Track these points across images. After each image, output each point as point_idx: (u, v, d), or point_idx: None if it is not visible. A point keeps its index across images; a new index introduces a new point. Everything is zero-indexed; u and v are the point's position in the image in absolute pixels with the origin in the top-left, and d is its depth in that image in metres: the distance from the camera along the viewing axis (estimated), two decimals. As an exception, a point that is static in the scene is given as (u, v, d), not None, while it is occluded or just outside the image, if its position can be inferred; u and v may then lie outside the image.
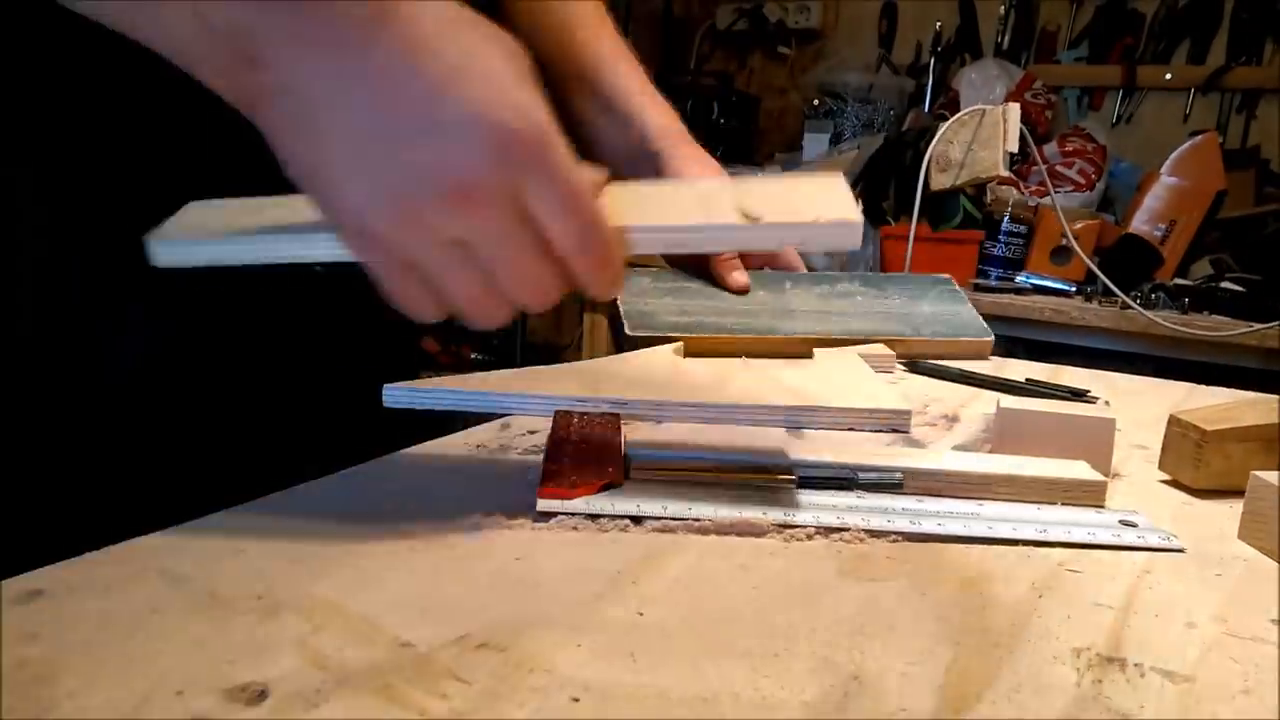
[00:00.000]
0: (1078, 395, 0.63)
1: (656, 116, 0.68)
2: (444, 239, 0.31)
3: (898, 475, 0.41)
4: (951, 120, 1.48)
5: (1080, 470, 0.42)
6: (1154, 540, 0.39)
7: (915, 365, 0.71)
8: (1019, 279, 1.71)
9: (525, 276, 0.33)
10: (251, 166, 0.34)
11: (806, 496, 0.40)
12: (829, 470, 0.41)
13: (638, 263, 0.72)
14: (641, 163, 0.65)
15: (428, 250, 0.31)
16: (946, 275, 0.83)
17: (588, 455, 0.41)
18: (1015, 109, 1.43)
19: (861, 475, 0.41)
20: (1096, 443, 0.47)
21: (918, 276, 0.83)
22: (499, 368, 0.55)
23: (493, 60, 0.31)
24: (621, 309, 0.67)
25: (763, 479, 0.40)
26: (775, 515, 0.37)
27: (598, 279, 0.34)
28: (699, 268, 0.72)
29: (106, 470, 0.44)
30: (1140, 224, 1.69)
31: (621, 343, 0.64)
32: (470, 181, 0.30)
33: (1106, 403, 0.62)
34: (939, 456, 0.44)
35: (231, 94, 0.31)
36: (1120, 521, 0.41)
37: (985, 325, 0.76)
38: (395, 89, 0.29)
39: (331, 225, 0.32)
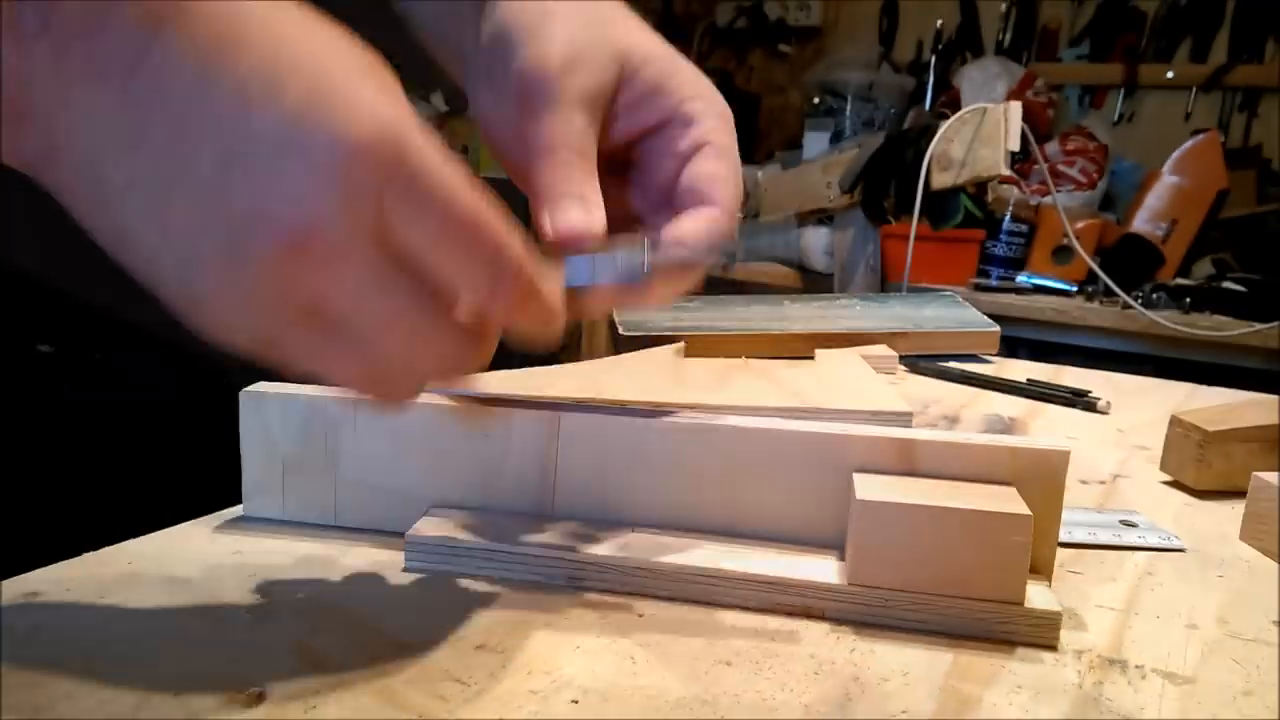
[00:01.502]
0: (1078, 395, 0.63)
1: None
2: (293, 310, 0.23)
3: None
4: (952, 119, 1.48)
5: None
6: (1154, 540, 0.39)
7: (917, 366, 0.71)
8: (1020, 279, 1.71)
9: (417, 341, 0.24)
10: None
11: None
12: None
13: None
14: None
15: (279, 327, 0.23)
16: (951, 293, 0.83)
17: None
18: (1016, 107, 1.43)
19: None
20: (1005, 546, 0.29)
21: (918, 294, 0.83)
22: (494, 369, 0.55)
23: (320, 53, 0.22)
24: (615, 314, 0.67)
25: None
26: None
27: (521, 317, 0.26)
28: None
29: (100, 471, 0.44)
30: (1142, 223, 1.69)
31: (619, 344, 0.64)
32: (305, 225, 0.21)
33: (1108, 403, 0.62)
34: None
35: (17, 161, 0.23)
36: (1121, 521, 0.40)
37: (990, 321, 0.76)
38: (183, 111, 0.21)
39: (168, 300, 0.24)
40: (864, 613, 0.30)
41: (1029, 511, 0.29)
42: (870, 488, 0.30)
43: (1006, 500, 0.30)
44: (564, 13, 0.34)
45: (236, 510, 0.36)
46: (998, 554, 0.29)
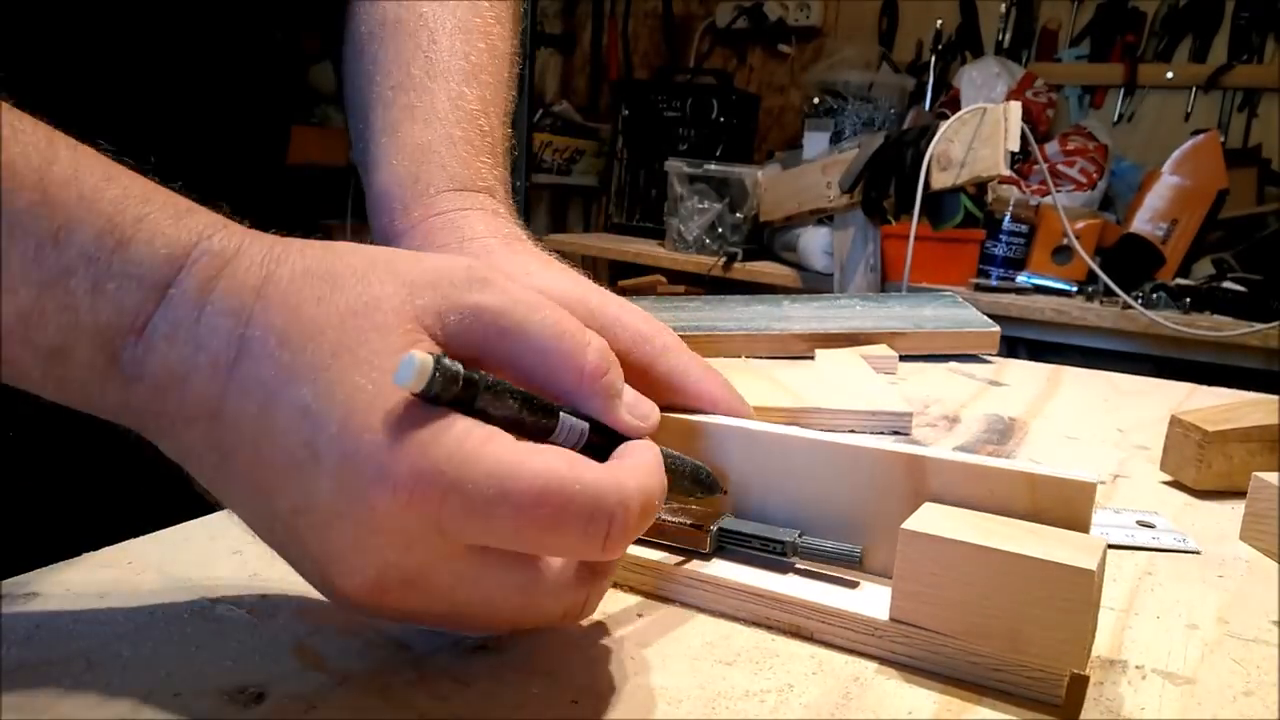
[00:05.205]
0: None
1: (393, 168, 0.40)
2: (401, 611, 0.24)
3: (856, 551, 0.30)
4: (952, 119, 1.48)
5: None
6: (1169, 541, 0.39)
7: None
8: (1020, 279, 1.71)
9: (528, 602, 0.25)
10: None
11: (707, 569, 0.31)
12: (757, 540, 0.31)
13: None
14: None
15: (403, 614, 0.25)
16: (950, 293, 0.83)
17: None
18: (1016, 107, 1.43)
19: (805, 547, 0.31)
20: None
21: (918, 294, 0.83)
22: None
23: (347, 395, 0.23)
24: None
25: (676, 527, 0.32)
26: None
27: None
28: None
29: (100, 472, 0.44)
30: (1142, 223, 1.69)
31: None
32: (376, 576, 0.23)
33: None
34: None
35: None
36: (1138, 522, 0.40)
37: (990, 321, 0.76)
38: (252, 460, 0.23)
39: None
40: (888, 651, 0.28)
41: (1092, 566, 0.25)
42: (926, 517, 0.28)
43: (1074, 549, 0.26)
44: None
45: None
46: (1050, 611, 0.25)
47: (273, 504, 0.23)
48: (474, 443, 0.22)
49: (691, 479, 0.31)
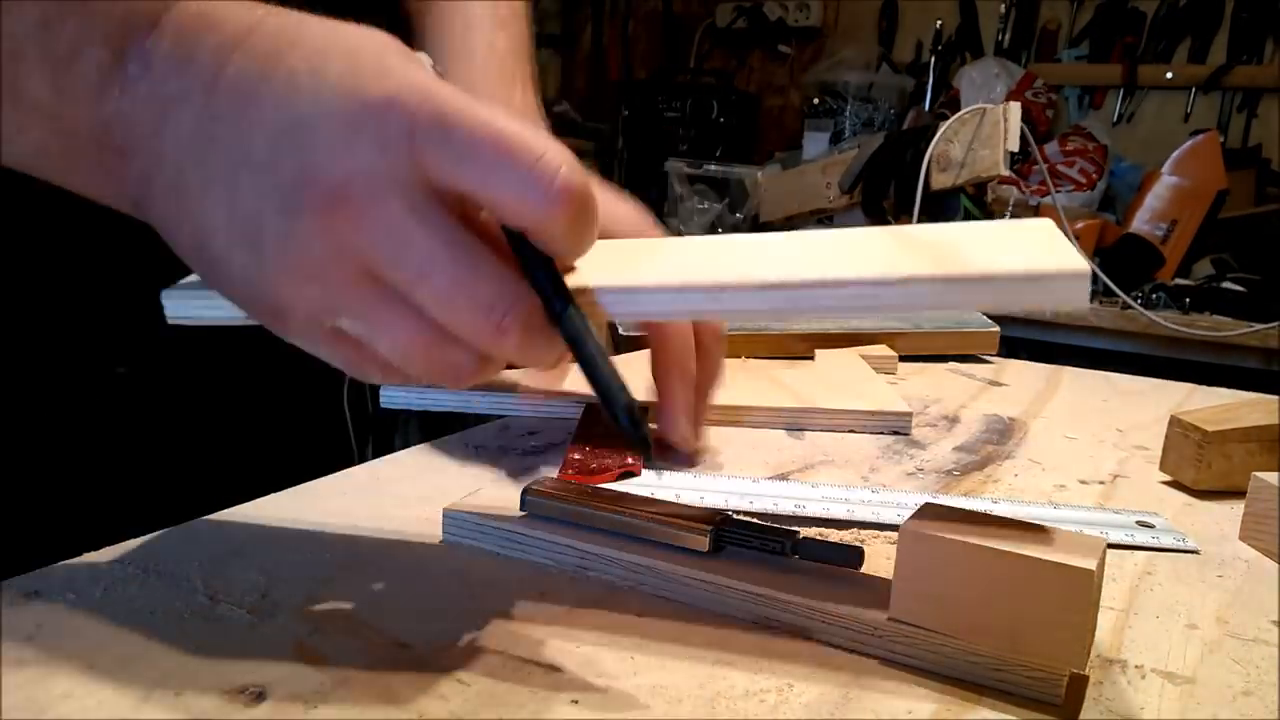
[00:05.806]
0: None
1: None
2: (348, 272, 0.24)
3: (857, 550, 0.30)
4: (952, 119, 1.48)
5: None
6: (1169, 541, 0.39)
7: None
8: (1020, 278, 1.71)
9: (467, 281, 0.24)
10: None
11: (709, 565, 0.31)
12: (757, 539, 0.32)
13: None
14: None
15: (338, 293, 0.25)
16: None
17: (611, 443, 0.41)
18: (1016, 108, 1.43)
19: (805, 546, 0.31)
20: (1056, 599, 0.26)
21: None
22: (500, 367, 0.55)
23: (356, 38, 0.25)
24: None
25: (675, 526, 0.32)
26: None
27: (562, 231, 0.25)
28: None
29: (102, 472, 0.44)
30: (1141, 223, 1.69)
31: (619, 344, 0.64)
32: (343, 177, 0.23)
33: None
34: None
35: (116, 198, 0.27)
36: (1137, 522, 0.40)
37: (990, 321, 0.76)
38: (246, 105, 0.24)
39: (242, 308, 0.27)
40: (888, 650, 0.28)
41: (1092, 566, 0.25)
42: (925, 517, 0.28)
43: (1073, 549, 0.26)
44: None
45: (237, 510, 0.36)
46: (1050, 610, 0.25)
47: (255, 138, 0.24)
48: (463, 96, 0.24)
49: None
